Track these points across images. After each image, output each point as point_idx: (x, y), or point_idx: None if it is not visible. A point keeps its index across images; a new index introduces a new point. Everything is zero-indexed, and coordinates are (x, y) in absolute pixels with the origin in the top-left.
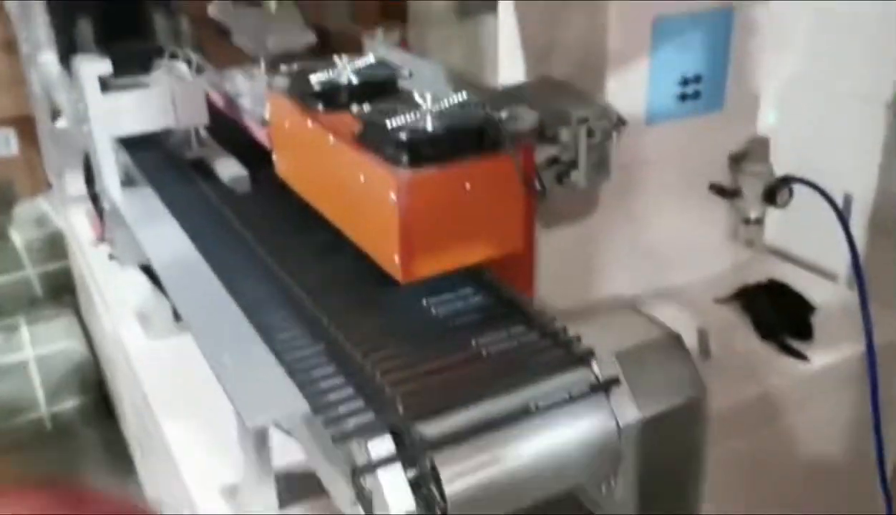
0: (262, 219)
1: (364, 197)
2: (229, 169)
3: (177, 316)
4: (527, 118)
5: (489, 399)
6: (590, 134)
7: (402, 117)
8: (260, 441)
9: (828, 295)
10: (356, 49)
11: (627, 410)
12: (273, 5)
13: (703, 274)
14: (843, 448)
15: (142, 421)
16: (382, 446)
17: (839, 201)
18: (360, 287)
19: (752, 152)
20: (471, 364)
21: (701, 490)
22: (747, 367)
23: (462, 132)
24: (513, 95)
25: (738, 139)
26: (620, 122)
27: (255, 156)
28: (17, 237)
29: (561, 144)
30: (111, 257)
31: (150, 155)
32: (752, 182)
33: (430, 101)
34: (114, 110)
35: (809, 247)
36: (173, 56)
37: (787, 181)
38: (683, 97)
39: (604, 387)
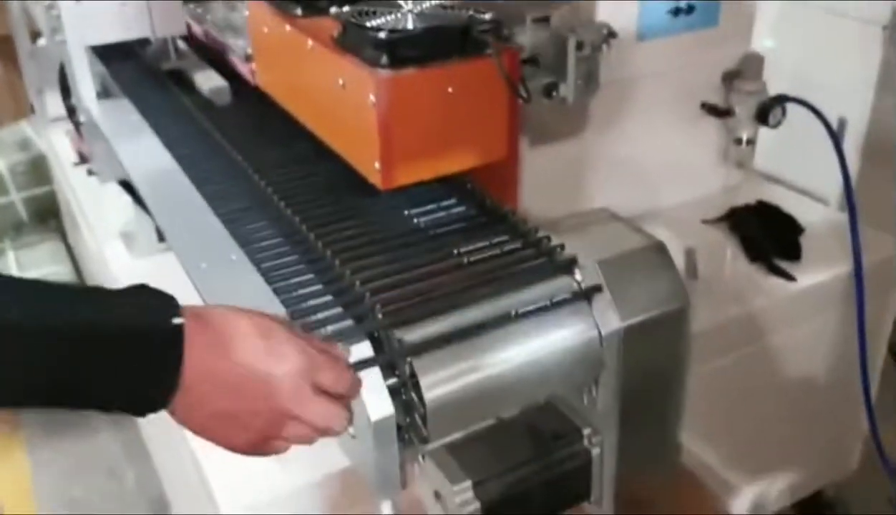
0: (242, 131)
1: (343, 101)
2: (209, 80)
3: (160, 236)
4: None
5: (470, 306)
6: (578, 46)
7: (383, 17)
8: None
9: (818, 218)
10: None
11: (609, 318)
12: None
13: (692, 195)
14: (828, 367)
15: None
16: (361, 351)
17: (833, 124)
18: (342, 196)
19: (745, 70)
20: (452, 272)
21: (683, 403)
22: (735, 287)
23: (445, 33)
24: None
25: (732, 56)
26: (610, 35)
27: (234, 69)
28: (1, 162)
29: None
30: (90, 173)
31: (128, 66)
32: (744, 100)
33: (411, 1)
34: (87, 17)
35: (801, 170)
36: None
37: (780, 100)
38: (676, 12)
39: (585, 295)
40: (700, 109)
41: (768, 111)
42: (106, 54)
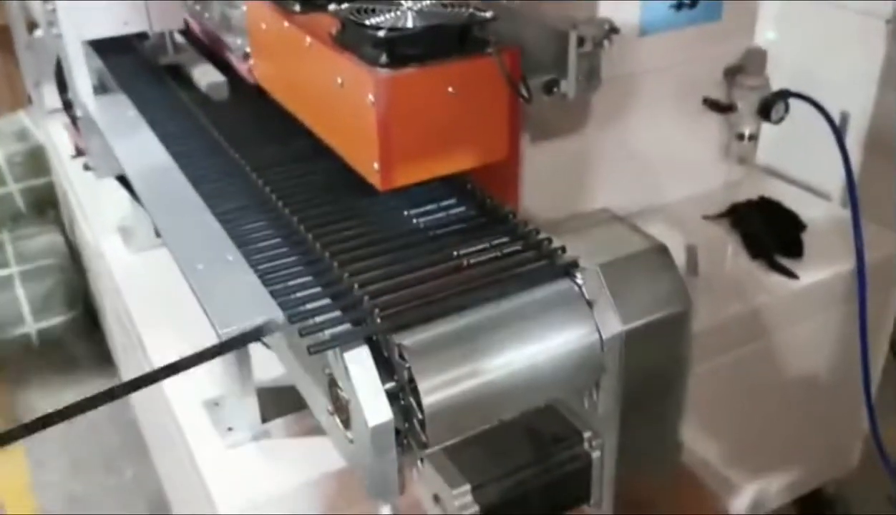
0: (240, 127)
1: (342, 100)
2: (207, 75)
3: (158, 232)
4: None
5: (469, 310)
6: (580, 42)
7: (382, 15)
8: (240, 355)
9: (820, 214)
10: None
11: (611, 322)
12: None
13: (693, 191)
14: (828, 365)
15: (125, 333)
16: (359, 356)
17: (835, 119)
18: (340, 195)
19: (748, 65)
20: (451, 275)
21: (683, 405)
22: (736, 284)
23: (445, 31)
24: None
25: (734, 52)
26: (612, 31)
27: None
28: None
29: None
30: (86, 168)
31: (125, 60)
32: (747, 96)
33: None
34: (83, 11)
35: (803, 166)
36: None
37: (783, 95)
38: (679, 6)
39: (586, 298)
40: (702, 105)
41: (771, 106)
42: (103, 48)
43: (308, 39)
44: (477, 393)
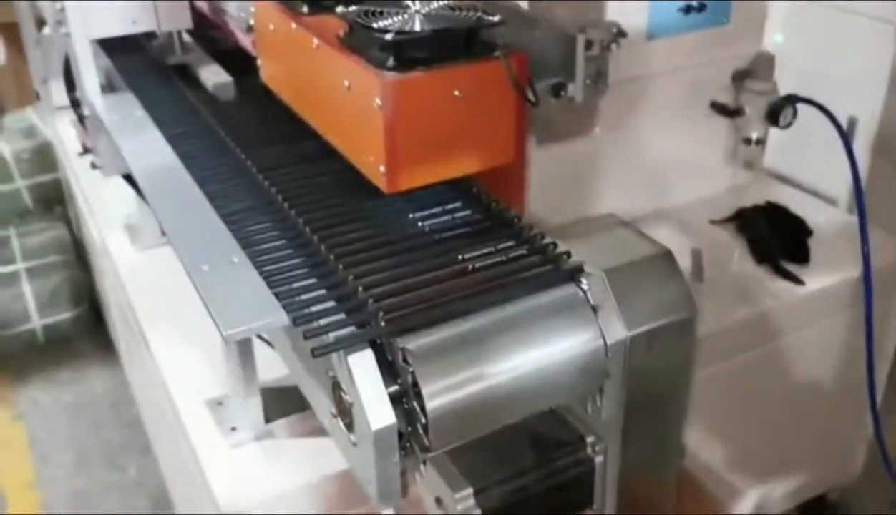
0: (246, 128)
1: (349, 102)
2: (214, 75)
3: (163, 230)
4: None
5: (473, 314)
6: (587, 46)
7: (390, 18)
8: (245, 355)
9: (827, 220)
10: None
11: (615, 327)
12: None
13: (700, 195)
14: (832, 371)
15: (130, 331)
16: (363, 359)
17: (843, 124)
18: (346, 197)
19: (756, 70)
20: (456, 278)
21: (687, 411)
22: (741, 290)
23: (452, 35)
24: None
25: (742, 56)
26: (619, 34)
27: (240, 65)
28: (6, 148)
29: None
30: (93, 166)
31: (133, 60)
32: (755, 100)
33: (418, 2)
34: (92, 10)
35: (810, 171)
36: None
37: (791, 100)
38: (688, 10)
39: (590, 304)
40: (709, 109)
41: (779, 111)
42: (111, 47)
43: (316, 41)
44: (480, 397)
